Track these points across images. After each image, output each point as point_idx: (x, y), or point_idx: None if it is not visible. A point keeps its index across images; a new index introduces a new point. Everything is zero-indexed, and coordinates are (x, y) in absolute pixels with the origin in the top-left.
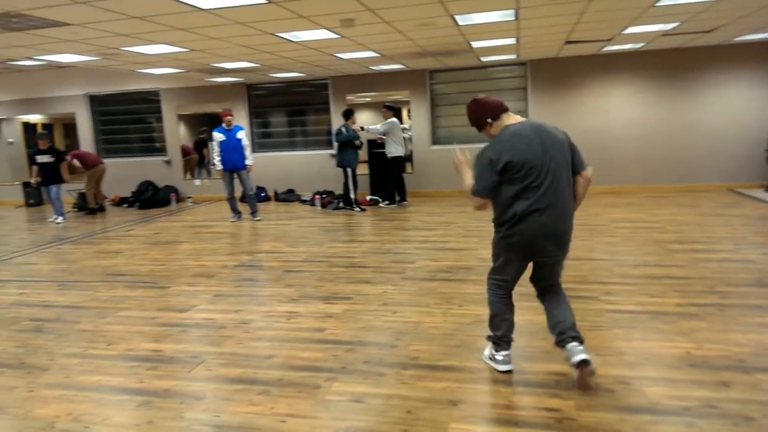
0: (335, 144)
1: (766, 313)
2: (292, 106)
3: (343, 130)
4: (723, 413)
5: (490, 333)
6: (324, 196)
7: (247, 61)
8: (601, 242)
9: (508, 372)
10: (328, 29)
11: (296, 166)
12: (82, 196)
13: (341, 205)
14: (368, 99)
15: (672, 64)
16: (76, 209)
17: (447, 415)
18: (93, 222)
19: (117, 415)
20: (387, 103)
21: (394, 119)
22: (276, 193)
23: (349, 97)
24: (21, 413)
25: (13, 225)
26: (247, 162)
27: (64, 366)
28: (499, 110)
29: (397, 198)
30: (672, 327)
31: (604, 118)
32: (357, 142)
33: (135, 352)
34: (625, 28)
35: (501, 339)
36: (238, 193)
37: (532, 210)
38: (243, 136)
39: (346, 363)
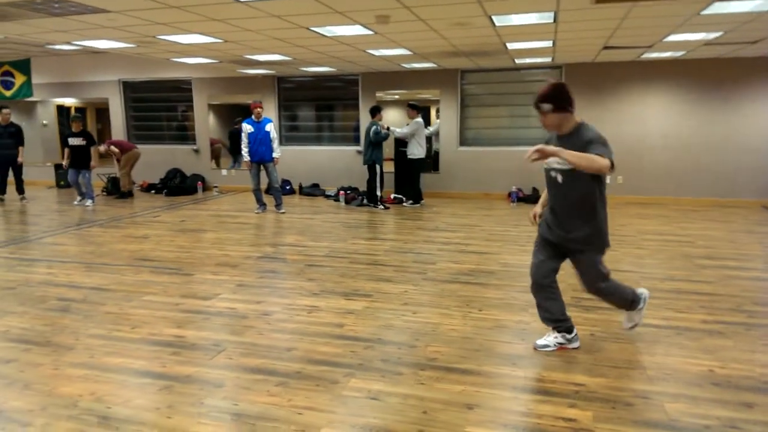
0: (363, 141)
1: None
2: (320, 101)
3: (378, 128)
4: None
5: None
6: (348, 191)
7: (280, 54)
8: (628, 254)
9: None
10: (362, 25)
11: (322, 161)
12: (112, 181)
13: (365, 201)
14: (397, 96)
15: (712, 74)
16: (105, 193)
17: (463, 418)
18: (121, 206)
19: (138, 397)
20: (411, 102)
21: (420, 119)
22: (301, 187)
23: (379, 94)
24: (46, 390)
25: (43, 206)
26: (275, 155)
27: (88, 346)
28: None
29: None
30: (697, 344)
31: (640, 127)
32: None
33: (158, 337)
34: (667, 35)
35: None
36: (264, 185)
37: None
38: (271, 128)
39: (364, 360)
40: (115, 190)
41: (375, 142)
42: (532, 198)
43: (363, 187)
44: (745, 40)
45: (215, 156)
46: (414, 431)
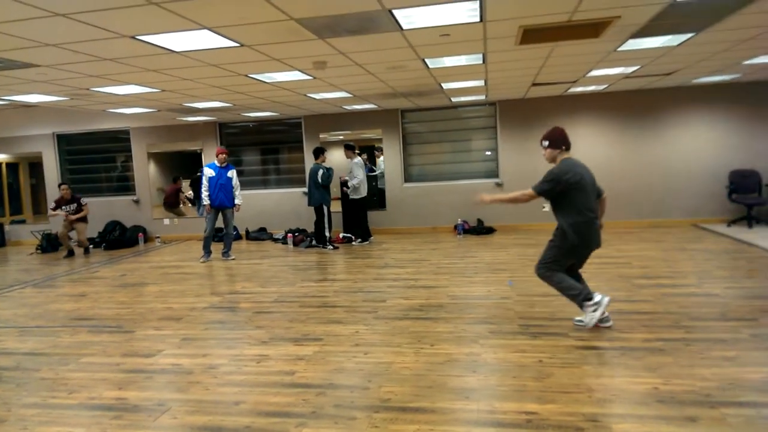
0: (308, 183)
1: (730, 347)
2: (264, 145)
3: (325, 170)
4: None
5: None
6: (296, 234)
7: (220, 101)
8: None
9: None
10: (300, 71)
11: (268, 204)
12: (47, 237)
13: (314, 243)
14: (341, 137)
15: (635, 104)
16: (39, 251)
17: None
18: (57, 264)
19: None
20: (348, 143)
21: (358, 158)
22: (247, 232)
23: (322, 136)
24: None
25: None
26: (237, 201)
27: (21, 417)
28: (569, 146)
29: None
30: (640, 362)
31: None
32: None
33: (98, 401)
34: (589, 71)
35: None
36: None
37: (592, 218)
38: (234, 175)
39: (316, 407)
40: (52, 247)
41: (323, 185)
42: (477, 229)
43: (311, 229)
44: (661, 72)
45: (171, 205)
46: None
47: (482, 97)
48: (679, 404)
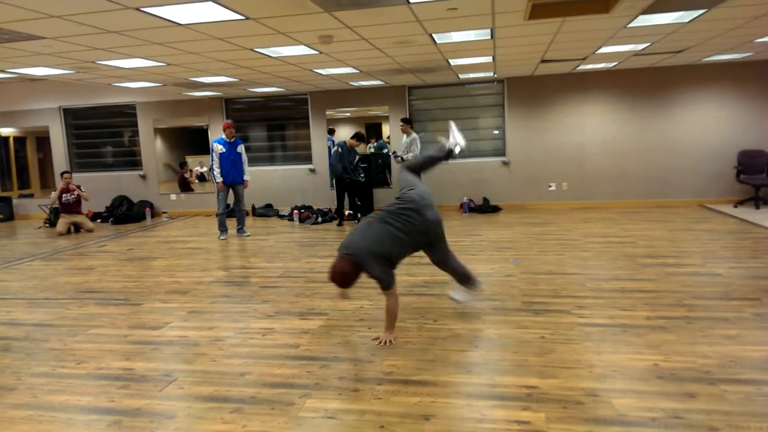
0: (340, 160)
1: (732, 325)
2: (271, 121)
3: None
4: (688, 424)
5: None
6: (302, 211)
7: (225, 76)
8: (573, 257)
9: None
10: (306, 45)
11: (275, 181)
12: (54, 212)
13: (319, 220)
14: (348, 114)
15: (644, 82)
16: (47, 225)
17: (420, 429)
18: (65, 237)
19: None
20: (405, 117)
21: (415, 134)
22: (254, 208)
23: (329, 112)
24: None
25: None
26: (246, 177)
27: (31, 386)
28: None
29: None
30: (641, 340)
31: (579, 135)
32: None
33: (105, 371)
34: (599, 48)
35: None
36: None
37: None
38: (243, 150)
39: (320, 379)
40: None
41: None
42: (483, 208)
43: (317, 206)
44: (671, 49)
45: (183, 189)
46: None
47: (490, 74)
48: (679, 381)
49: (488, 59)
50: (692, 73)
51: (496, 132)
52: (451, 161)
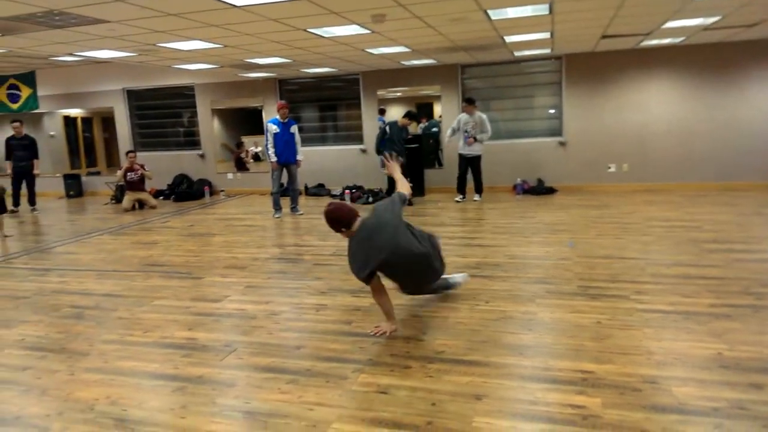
0: (395, 141)
1: None
2: (323, 101)
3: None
4: (753, 415)
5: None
6: (354, 190)
7: (279, 57)
8: (633, 240)
9: None
10: (359, 25)
11: (327, 161)
12: (120, 189)
13: (370, 200)
14: (399, 94)
15: (713, 59)
16: (113, 201)
17: (471, 408)
18: (130, 213)
19: (152, 399)
20: (469, 97)
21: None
22: (306, 187)
23: (380, 92)
24: (62, 395)
25: (54, 216)
26: (299, 157)
27: (102, 352)
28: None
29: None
30: (704, 328)
31: (642, 114)
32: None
33: (170, 340)
34: (665, 22)
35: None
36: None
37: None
38: (296, 131)
39: (372, 355)
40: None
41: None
42: (537, 189)
43: (368, 185)
44: (744, 23)
45: (239, 169)
46: (423, 423)
47: (547, 51)
48: (744, 371)
49: (546, 35)
50: (765, 49)
51: (552, 111)
52: (503, 141)
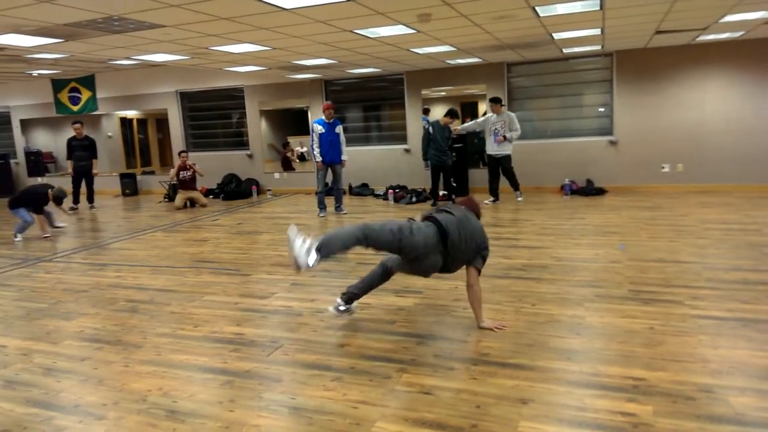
0: (435, 142)
1: None
2: (367, 101)
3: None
4: None
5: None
6: (397, 190)
7: (326, 58)
8: (688, 244)
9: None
10: (404, 25)
11: (370, 161)
12: (173, 188)
13: (413, 200)
14: (443, 93)
15: None
16: (166, 200)
17: (517, 412)
18: (182, 211)
19: (202, 392)
20: (495, 96)
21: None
22: (350, 187)
23: (425, 92)
24: (118, 386)
25: (111, 213)
26: (343, 157)
27: (155, 344)
28: None
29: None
30: (765, 336)
31: (698, 112)
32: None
33: (219, 335)
34: (723, 16)
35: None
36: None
37: None
38: (341, 131)
39: (416, 355)
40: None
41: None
42: (586, 190)
43: (412, 185)
44: None
45: (285, 168)
46: (467, 425)
47: (597, 47)
48: None
49: (596, 32)
50: None
51: (602, 109)
52: (550, 141)
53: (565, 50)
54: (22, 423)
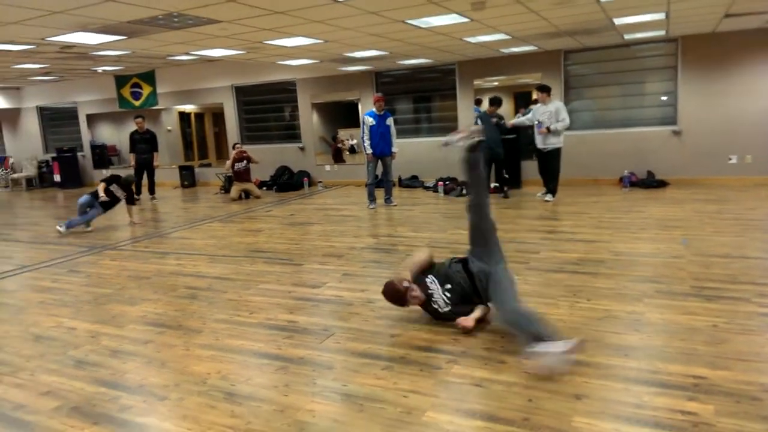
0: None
1: None
2: (418, 93)
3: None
4: None
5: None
6: (447, 182)
7: (377, 50)
8: (756, 239)
9: None
10: (458, 13)
11: (420, 153)
12: (228, 179)
13: (464, 192)
14: (496, 83)
15: None
16: (223, 191)
17: (571, 408)
18: (237, 203)
19: (258, 376)
20: (543, 84)
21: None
22: (400, 179)
23: (477, 82)
24: (179, 368)
25: (171, 204)
26: (394, 149)
27: (214, 330)
28: None
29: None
30: None
31: None
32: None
33: (273, 322)
34: None
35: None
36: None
37: None
38: (391, 123)
39: (467, 347)
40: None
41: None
42: (646, 182)
43: (461, 178)
44: None
45: (336, 160)
46: (519, 418)
47: (661, 33)
48: None
49: (660, 16)
50: None
51: (665, 98)
52: (609, 131)
53: (626, 36)
54: (92, 401)
